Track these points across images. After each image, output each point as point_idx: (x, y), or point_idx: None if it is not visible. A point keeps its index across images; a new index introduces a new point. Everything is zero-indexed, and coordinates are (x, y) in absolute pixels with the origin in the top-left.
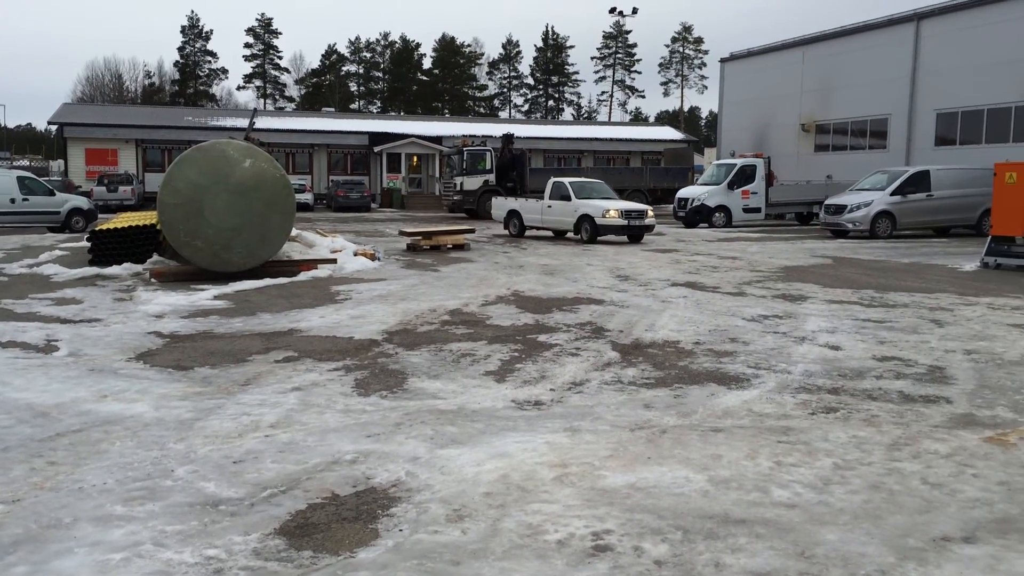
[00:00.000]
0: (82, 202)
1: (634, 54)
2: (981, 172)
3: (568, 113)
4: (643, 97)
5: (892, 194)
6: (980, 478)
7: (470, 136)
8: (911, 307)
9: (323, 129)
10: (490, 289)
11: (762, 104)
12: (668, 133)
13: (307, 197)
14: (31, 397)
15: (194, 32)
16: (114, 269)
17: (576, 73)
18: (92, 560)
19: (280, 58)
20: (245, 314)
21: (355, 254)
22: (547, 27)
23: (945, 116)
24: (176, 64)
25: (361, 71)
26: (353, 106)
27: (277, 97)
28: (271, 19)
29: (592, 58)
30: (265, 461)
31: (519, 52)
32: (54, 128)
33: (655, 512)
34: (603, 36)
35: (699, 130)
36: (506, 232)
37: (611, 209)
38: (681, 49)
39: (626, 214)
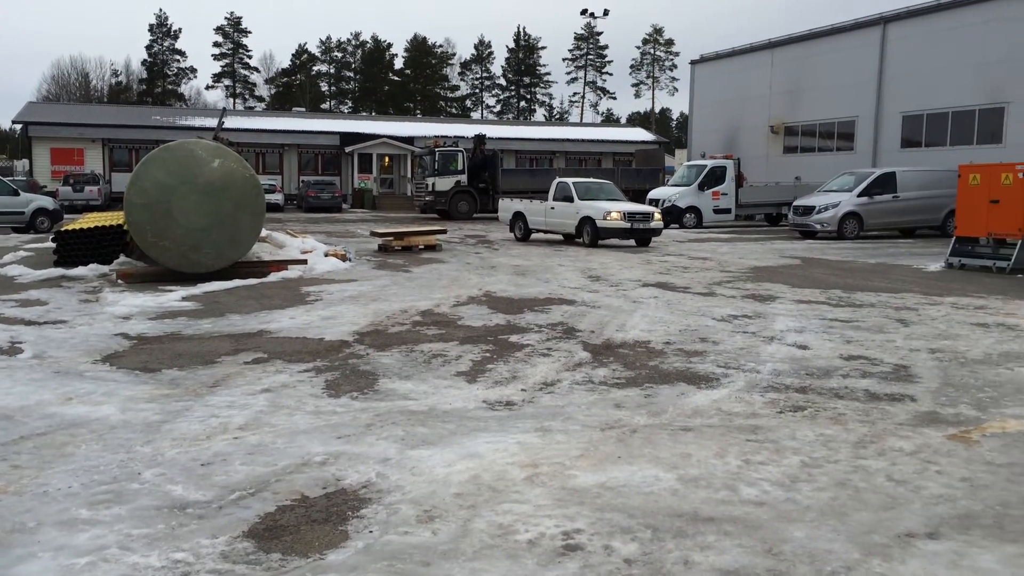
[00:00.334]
0: (47, 202)
1: (605, 55)
2: (946, 174)
3: (540, 114)
4: (614, 98)
5: (859, 195)
6: (944, 475)
7: (442, 137)
8: (877, 307)
9: (294, 129)
10: (462, 290)
11: (732, 106)
12: (639, 134)
13: (277, 198)
14: None
15: (162, 31)
16: (80, 270)
17: (548, 74)
18: (56, 564)
19: (250, 57)
20: (214, 315)
21: (326, 255)
22: (519, 28)
23: (911, 118)
24: (144, 63)
25: (332, 71)
26: (324, 106)
27: (247, 97)
28: (240, 18)
29: (564, 59)
30: (234, 463)
31: (491, 53)
32: (19, 127)
33: (625, 511)
34: (574, 37)
35: (670, 131)
36: (512, 235)
37: (613, 211)
38: (652, 51)
39: (629, 216)
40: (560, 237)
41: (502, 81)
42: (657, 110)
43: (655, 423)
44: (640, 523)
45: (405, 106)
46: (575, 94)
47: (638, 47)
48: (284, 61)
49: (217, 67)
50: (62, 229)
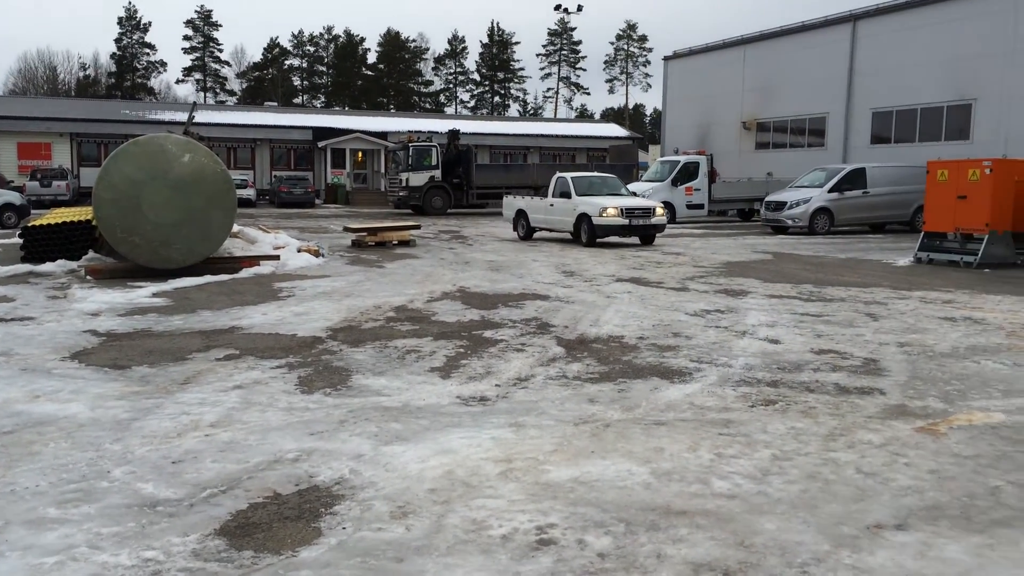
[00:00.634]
0: (14, 197)
1: (579, 51)
2: (914, 170)
3: (514, 109)
4: (588, 94)
5: (830, 191)
6: (912, 467)
7: (416, 132)
8: (847, 301)
9: (265, 124)
10: (436, 285)
11: (705, 102)
12: (613, 130)
13: (249, 193)
14: None
15: (131, 24)
16: (48, 266)
17: (522, 69)
18: (25, 564)
19: (220, 51)
20: (185, 311)
21: (299, 250)
22: (493, 23)
23: (880, 115)
24: (113, 56)
25: (304, 65)
26: (296, 100)
27: (218, 91)
28: (211, 11)
29: (538, 55)
30: (205, 461)
31: (465, 48)
32: None
33: (598, 505)
34: (548, 33)
35: (643, 127)
36: (515, 234)
37: (609, 207)
38: (626, 47)
39: (628, 212)
40: (566, 236)
41: (476, 76)
42: (631, 106)
43: (628, 418)
44: (613, 517)
45: (378, 101)
46: (549, 89)
47: (612, 43)
48: (256, 55)
49: (187, 61)
50: (29, 224)
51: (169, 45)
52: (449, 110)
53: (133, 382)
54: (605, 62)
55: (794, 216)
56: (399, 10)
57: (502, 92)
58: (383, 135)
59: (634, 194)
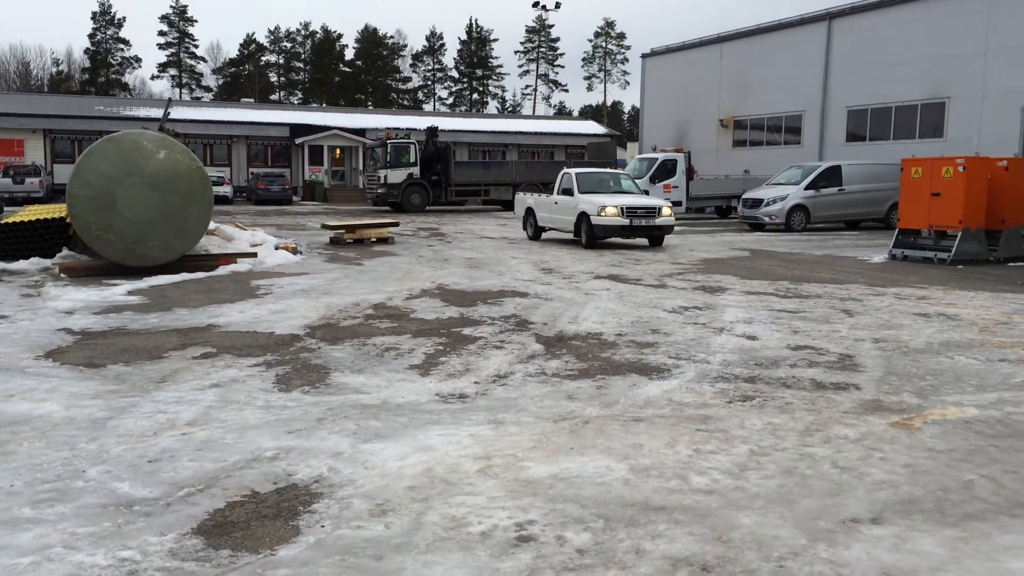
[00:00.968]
0: None
1: (557, 48)
2: (889, 167)
3: (492, 106)
4: (566, 91)
5: (806, 188)
6: (887, 461)
7: (394, 128)
8: (824, 298)
9: (242, 120)
10: (414, 283)
11: (683, 100)
12: (591, 127)
13: (226, 190)
14: None
15: (105, 19)
16: (21, 264)
17: (500, 67)
18: None
19: (196, 47)
20: (161, 309)
21: (276, 248)
22: (471, 20)
23: (855, 113)
24: (86, 52)
25: (281, 61)
26: (274, 97)
27: (194, 87)
28: (186, 6)
29: (516, 52)
30: (182, 460)
31: (443, 45)
32: None
33: (577, 502)
34: (526, 30)
35: (622, 125)
36: (525, 233)
37: (608, 206)
38: (604, 44)
39: (629, 211)
40: (570, 236)
41: (454, 73)
42: (609, 103)
43: (607, 414)
44: (592, 513)
45: (356, 98)
46: (527, 87)
47: (590, 40)
48: (232, 51)
49: (163, 56)
50: (2, 222)
51: (144, 41)
52: (427, 107)
53: (108, 381)
54: (583, 60)
55: (771, 213)
56: (376, 6)
57: (480, 89)
58: (361, 132)
59: (646, 193)
